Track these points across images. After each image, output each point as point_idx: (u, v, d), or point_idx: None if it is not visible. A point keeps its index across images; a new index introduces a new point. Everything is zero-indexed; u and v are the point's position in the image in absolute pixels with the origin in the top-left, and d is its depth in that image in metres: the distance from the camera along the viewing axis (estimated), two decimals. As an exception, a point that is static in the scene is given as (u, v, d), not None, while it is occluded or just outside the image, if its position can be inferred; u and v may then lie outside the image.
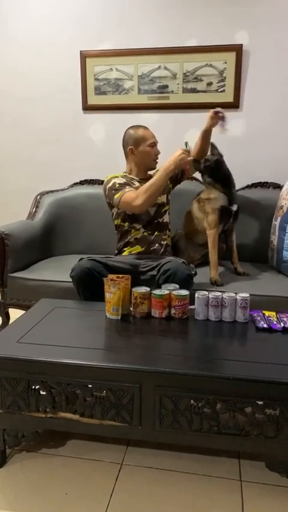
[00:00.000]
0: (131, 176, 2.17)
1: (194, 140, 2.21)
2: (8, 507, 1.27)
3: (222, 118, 2.07)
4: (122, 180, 2.10)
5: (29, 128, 2.92)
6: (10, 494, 1.32)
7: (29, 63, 2.84)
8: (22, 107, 2.90)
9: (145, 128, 2.18)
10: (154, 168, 2.18)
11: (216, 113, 2.06)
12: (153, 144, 2.15)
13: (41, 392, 1.36)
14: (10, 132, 2.96)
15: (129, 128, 2.20)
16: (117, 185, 2.07)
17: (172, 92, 2.70)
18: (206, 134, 2.15)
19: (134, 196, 2.01)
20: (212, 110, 2.08)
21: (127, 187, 2.06)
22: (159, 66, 2.68)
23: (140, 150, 2.14)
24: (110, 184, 2.09)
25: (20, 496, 1.31)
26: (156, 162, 2.17)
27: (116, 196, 2.05)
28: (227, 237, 2.31)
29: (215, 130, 2.13)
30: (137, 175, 2.18)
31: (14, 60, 2.85)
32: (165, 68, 2.68)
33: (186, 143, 2.06)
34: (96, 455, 1.48)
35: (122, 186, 2.06)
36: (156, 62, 2.68)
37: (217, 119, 2.07)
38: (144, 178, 2.12)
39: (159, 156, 2.17)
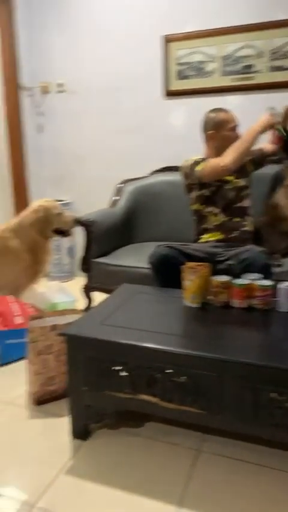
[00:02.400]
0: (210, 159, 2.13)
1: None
2: (90, 478, 1.35)
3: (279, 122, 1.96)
4: (203, 158, 2.08)
5: (111, 117, 2.99)
6: (92, 467, 1.40)
7: (112, 53, 2.89)
8: (105, 97, 2.98)
9: (226, 110, 2.11)
10: None
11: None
12: (235, 128, 2.08)
13: (123, 374, 1.41)
14: (93, 122, 3.06)
15: (209, 112, 2.15)
16: (199, 160, 2.05)
17: (258, 71, 2.57)
18: None
19: (220, 158, 1.97)
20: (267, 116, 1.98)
21: (210, 159, 2.04)
22: (244, 45, 2.57)
23: (221, 134, 2.08)
24: (189, 163, 2.08)
25: (101, 469, 1.39)
26: None
27: (199, 168, 2.02)
28: None
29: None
30: None
31: (98, 50, 2.93)
32: (251, 47, 2.56)
33: (272, 108, 1.96)
34: (174, 439, 1.51)
35: (205, 159, 2.05)
36: (241, 40, 2.57)
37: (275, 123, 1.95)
38: None
39: None
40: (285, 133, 2.01)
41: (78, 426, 1.52)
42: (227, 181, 2.08)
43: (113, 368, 1.42)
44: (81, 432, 1.52)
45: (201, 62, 2.69)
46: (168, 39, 2.72)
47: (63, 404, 1.63)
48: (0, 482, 1.34)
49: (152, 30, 2.75)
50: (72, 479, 1.34)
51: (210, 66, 2.67)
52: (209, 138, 2.13)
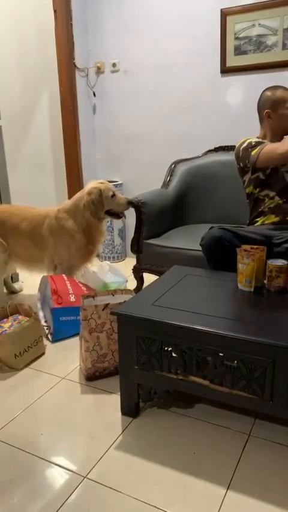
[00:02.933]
0: (266, 141, 2.03)
1: None
2: (140, 454, 1.38)
3: None
4: (259, 140, 1.99)
5: (165, 97, 2.94)
6: (141, 444, 1.42)
7: (167, 30, 2.82)
8: (159, 76, 2.92)
9: (285, 88, 2.00)
10: None
11: None
12: None
13: (173, 355, 1.41)
14: (147, 102, 3.02)
15: (266, 90, 2.05)
16: (253, 143, 1.97)
17: None
18: None
19: (277, 145, 1.88)
20: None
21: (266, 142, 1.95)
22: (309, 15, 2.40)
23: (278, 114, 1.98)
24: (245, 145, 2.00)
25: (150, 447, 1.41)
26: None
27: (254, 152, 1.94)
28: None
29: None
30: (272, 141, 2.02)
31: (152, 29, 2.87)
32: None
33: None
34: (224, 422, 1.50)
35: (260, 143, 1.96)
36: (304, 10, 2.40)
37: None
38: None
39: None
40: None
41: (128, 403, 1.55)
42: (284, 164, 1.98)
43: (164, 348, 1.42)
44: (131, 409, 1.55)
45: (261, 36, 2.55)
46: (225, 13, 2.60)
47: (114, 382, 1.67)
48: (54, 453, 1.40)
49: (209, 4, 2.64)
50: (121, 454, 1.38)
51: (271, 40, 2.53)
52: (265, 118, 2.03)
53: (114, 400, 1.62)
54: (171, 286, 1.68)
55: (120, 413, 1.56)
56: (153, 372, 1.46)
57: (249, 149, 1.97)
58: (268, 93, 2.03)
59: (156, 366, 1.45)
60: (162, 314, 1.44)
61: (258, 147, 1.94)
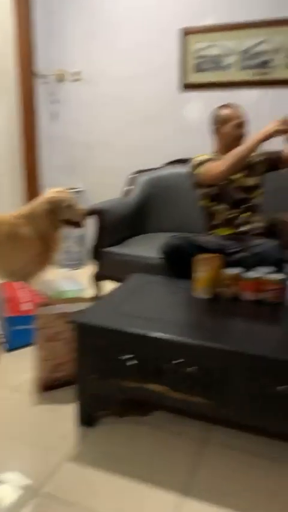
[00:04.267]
0: (219, 157, 2.09)
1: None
2: (96, 465, 1.35)
3: None
4: (209, 157, 2.05)
5: (127, 107, 2.97)
6: (98, 454, 1.40)
7: (129, 43, 2.87)
8: (120, 87, 2.96)
9: (234, 106, 2.08)
10: None
11: None
12: (239, 125, 2.04)
13: (131, 363, 1.41)
14: (108, 112, 3.04)
15: (217, 107, 2.13)
16: (203, 160, 2.03)
17: (275, 66, 2.54)
18: None
19: (216, 164, 1.95)
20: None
21: (212, 161, 2.01)
22: (264, 40, 2.53)
23: (224, 131, 2.06)
24: (196, 162, 2.06)
25: (107, 457, 1.39)
26: (241, 144, 2.03)
27: (201, 170, 2.01)
28: None
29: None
30: (224, 156, 2.09)
31: (115, 40, 2.91)
32: (270, 42, 2.53)
33: (285, 116, 1.90)
34: (181, 428, 1.50)
35: (207, 161, 2.02)
36: (261, 35, 2.53)
37: None
38: None
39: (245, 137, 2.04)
40: None
41: (84, 413, 1.52)
42: (232, 181, 2.05)
43: (121, 357, 1.41)
44: (87, 419, 1.52)
45: (220, 56, 2.66)
46: (187, 32, 2.69)
47: (70, 391, 1.63)
48: (6, 468, 1.34)
49: (170, 23, 2.72)
50: (77, 466, 1.35)
51: (228, 60, 2.64)
52: (214, 133, 2.11)
53: (70, 411, 1.58)
54: (130, 294, 1.68)
55: (76, 423, 1.53)
56: (110, 381, 1.45)
57: (199, 166, 2.03)
58: (218, 109, 2.10)
59: (114, 375, 1.44)
60: (120, 322, 1.44)
61: (204, 165, 2.00)
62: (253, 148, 1.91)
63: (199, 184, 2.09)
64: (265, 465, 1.35)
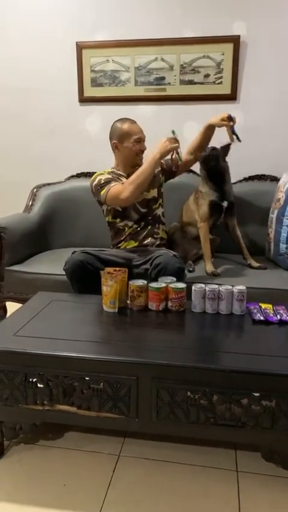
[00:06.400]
0: (118, 172, 2.14)
1: (192, 132, 2.20)
2: (6, 498, 1.28)
3: (233, 125, 2.02)
4: (108, 176, 2.07)
5: (25, 120, 2.90)
6: (8, 486, 1.33)
7: (24, 55, 2.81)
8: (18, 99, 2.87)
9: (132, 122, 2.12)
10: (140, 165, 2.08)
11: (230, 118, 2.01)
12: (139, 140, 2.09)
13: (39, 385, 1.36)
14: (5, 125, 2.93)
15: (116, 121, 2.15)
16: (102, 181, 2.04)
17: (169, 83, 2.68)
18: (209, 130, 2.12)
19: (121, 189, 1.97)
20: (227, 113, 2.03)
21: (113, 182, 2.02)
22: (156, 58, 2.66)
23: (124, 146, 2.09)
24: (95, 182, 2.07)
25: (18, 487, 1.32)
26: (141, 159, 2.11)
27: (102, 193, 2.02)
28: (231, 234, 2.29)
29: (226, 137, 2.09)
30: (124, 171, 2.14)
31: (9, 51, 2.82)
32: (162, 60, 2.66)
33: (173, 131, 2.00)
34: (94, 447, 1.49)
35: (107, 182, 2.03)
36: (153, 53, 2.65)
37: (228, 123, 2.01)
38: (131, 174, 2.05)
39: (145, 152, 2.11)
40: (179, 159, 2.05)
41: (-9, 445, 1.43)
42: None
43: (28, 380, 1.36)
44: (-6, 451, 1.43)
45: (116, 71, 2.72)
46: (81, 46, 2.72)
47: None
48: None
49: (66, 36, 2.72)
50: (-15, 502, 1.26)
51: (124, 76, 2.72)
52: (114, 148, 2.15)
53: (-25, 444, 1.48)
54: (35, 314, 1.62)
55: (-18, 457, 1.43)
56: (17, 407, 1.38)
57: (99, 188, 2.04)
58: (117, 124, 2.12)
59: (21, 400, 1.38)
60: (25, 344, 1.38)
61: (105, 188, 2.01)
62: (153, 169, 1.98)
63: (103, 203, 2.11)
64: (176, 470, 1.40)
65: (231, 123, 2.02)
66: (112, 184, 2.01)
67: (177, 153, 2.02)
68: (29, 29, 2.77)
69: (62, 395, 1.35)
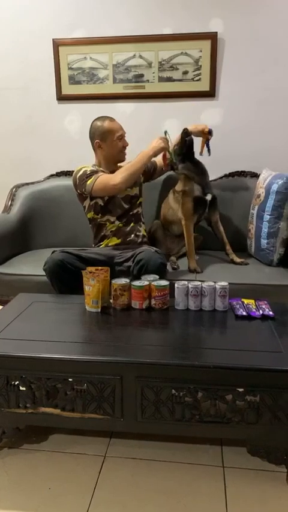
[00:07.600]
0: (101, 169, 2.12)
1: (172, 131, 2.20)
2: (-10, 505, 1.25)
3: (208, 140, 2.15)
4: (93, 169, 2.07)
5: (2, 119, 2.84)
6: (-8, 492, 1.30)
7: (0, 51, 2.75)
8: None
9: (111, 119, 2.13)
10: (123, 160, 2.14)
11: (210, 132, 2.15)
12: (121, 137, 2.10)
13: (21, 388, 1.34)
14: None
15: (95, 120, 2.15)
16: (88, 172, 2.03)
17: (148, 81, 2.66)
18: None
19: (111, 176, 1.99)
20: (207, 126, 2.16)
21: (100, 172, 2.04)
22: (134, 55, 2.64)
23: (107, 144, 2.10)
24: (80, 173, 2.05)
25: (3, 493, 1.29)
26: (125, 154, 2.14)
27: (89, 182, 2.01)
28: (213, 229, 2.30)
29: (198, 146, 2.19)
30: (107, 168, 2.13)
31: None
32: (141, 57, 2.64)
33: (165, 132, 2.05)
34: (79, 448, 1.47)
35: (95, 172, 2.04)
36: (131, 50, 2.63)
37: (207, 136, 2.14)
38: (114, 171, 2.07)
39: (127, 147, 2.14)
40: (174, 159, 2.14)
41: (-27, 451, 1.40)
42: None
43: (10, 383, 1.34)
44: (-23, 457, 1.40)
45: (94, 69, 2.69)
46: (58, 43, 2.68)
47: None
48: None
49: (42, 32, 2.68)
50: None
51: (102, 73, 2.69)
52: (96, 147, 2.13)
53: None
54: (16, 316, 1.60)
55: None
56: (0, 411, 1.36)
57: (85, 178, 2.02)
58: (98, 123, 2.12)
59: (3, 404, 1.35)
60: (6, 347, 1.36)
61: (93, 177, 2.00)
62: (146, 163, 2.03)
63: (86, 196, 2.08)
64: (163, 467, 1.39)
65: (210, 137, 2.14)
66: (100, 174, 2.01)
67: (170, 153, 2.11)
68: (4, 26, 2.72)
69: (46, 398, 1.33)
